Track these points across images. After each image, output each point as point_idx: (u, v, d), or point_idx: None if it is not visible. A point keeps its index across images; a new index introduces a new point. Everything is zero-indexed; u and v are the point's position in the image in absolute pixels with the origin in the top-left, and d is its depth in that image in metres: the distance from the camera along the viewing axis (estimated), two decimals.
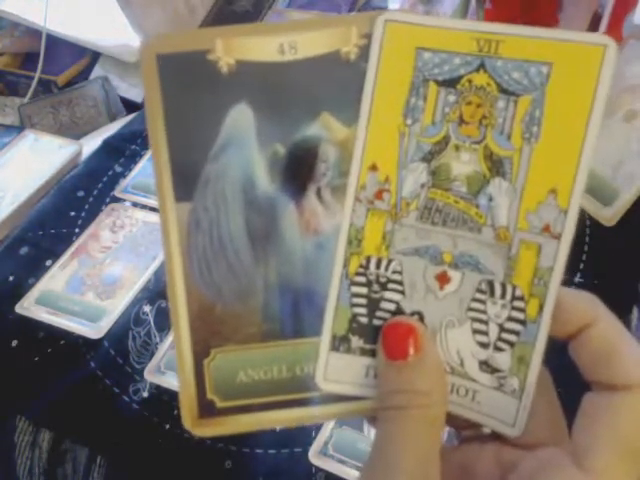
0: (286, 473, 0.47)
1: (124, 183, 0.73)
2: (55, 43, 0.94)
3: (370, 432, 0.46)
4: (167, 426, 0.51)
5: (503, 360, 0.22)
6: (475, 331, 0.22)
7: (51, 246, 0.67)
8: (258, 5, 0.97)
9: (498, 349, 0.22)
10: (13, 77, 0.97)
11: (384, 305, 0.23)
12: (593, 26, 0.69)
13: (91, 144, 0.81)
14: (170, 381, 0.52)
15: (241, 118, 0.24)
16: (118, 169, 0.76)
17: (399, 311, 0.22)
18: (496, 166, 0.21)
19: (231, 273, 0.25)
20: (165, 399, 0.52)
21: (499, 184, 0.21)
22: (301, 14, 0.87)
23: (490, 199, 0.21)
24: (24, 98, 0.93)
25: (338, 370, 0.23)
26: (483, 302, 0.22)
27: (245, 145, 0.25)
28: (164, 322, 0.57)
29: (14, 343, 0.59)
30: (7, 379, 0.58)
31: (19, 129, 0.85)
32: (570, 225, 0.20)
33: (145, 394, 0.53)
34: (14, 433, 0.55)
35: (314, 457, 0.46)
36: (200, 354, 0.25)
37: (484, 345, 0.22)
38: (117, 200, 0.71)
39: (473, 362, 0.22)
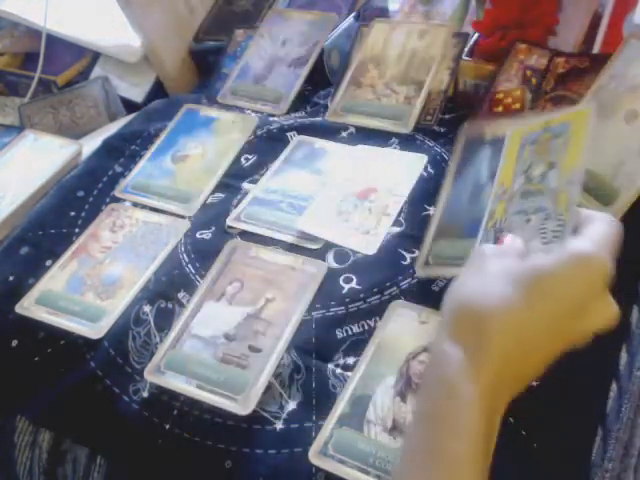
0: (286, 473, 0.47)
1: (124, 183, 0.73)
2: (55, 43, 0.94)
3: (370, 432, 0.46)
4: (167, 426, 0.51)
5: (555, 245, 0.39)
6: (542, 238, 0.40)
7: (51, 246, 0.67)
8: (258, 5, 0.97)
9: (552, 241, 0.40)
10: (13, 77, 0.97)
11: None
12: (593, 26, 0.69)
13: (91, 144, 0.81)
14: (170, 381, 0.52)
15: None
16: (118, 169, 0.76)
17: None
18: (551, 166, 0.43)
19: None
20: (165, 399, 0.52)
21: (553, 173, 0.42)
22: (301, 14, 0.87)
23: (548, 180, 0.42)
24: (24, 98, 0.94)
25: None
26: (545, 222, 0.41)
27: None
28: (164, 322, 0.57)
29: (14, 343, 0.59)
30: (7, 379, 0.58)
31: (19, 129, 0.85)
32: (580, 178, 0.41)
33: (145, 394, 0.53)
34: (14, 433, 0.55)
35: (314, 457, 0.46)
36: None
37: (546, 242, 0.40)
38: (117, 200, 0.71)
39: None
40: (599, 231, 0.37)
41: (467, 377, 0.34)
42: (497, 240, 0.43)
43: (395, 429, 0.46)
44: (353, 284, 0.57)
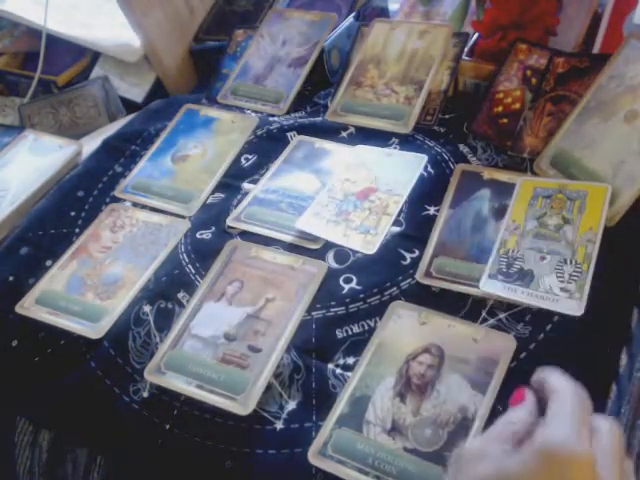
0: (286, 473, 0.47)
1: (124, 183, 0.73)
2: (55, 43, 0.94)
3: (369, 433, 0.46)
4: (167, 426, 0.51)
5: (571, 286, 0.50)
6: (558, 276, 0.51)
7: (51, 246, 0.67)
8: (258, 5, 0.97)
9: (569, 283, 0.50)
10: (13, 77, 0.97)
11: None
12: (593, 26, 0.69)
13: (91, 144, 0.81)
14: (170, 381, 0.52)
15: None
16: (118, 169, 0.76)
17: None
18: (567, 221, 0.54)
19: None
20: (165, 399, 0.52)
21: (568, 227, 0.54)
22: (301, 14, 0.87)
23: (564, 231, 0.54)
24: (24, 98, 0.93)
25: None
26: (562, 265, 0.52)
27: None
28: (164, 322, 0.57)
29: (14, 343, 0.59)
30: (7, 379, 0.58)
31: (19, 129, 0.85)
32: (599, 239, 0.52)
33: (145, 394, 0.53)
34: (14, 433, 0.55)
35: (313, 457, 0.46)
36: None
37: (562, 281, 0.51)
38: (117, 200, 0.71)
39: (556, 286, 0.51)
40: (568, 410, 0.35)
41: None
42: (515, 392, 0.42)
43: (394, 430, 0.46)
44: (353, 284, 0.57)
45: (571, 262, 0.51)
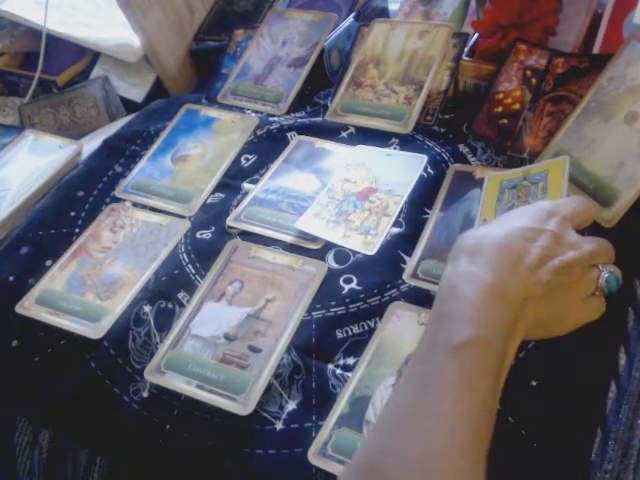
0: (286, 473, 0.47)
1: (124, 183, 0.73)
2: (55, 43, 0.94)
3: (369, 433, 0.46)
4: (167, 426, 0.51)
5: None
6: None
7: (51, 246, 0.67)
8: (258, 5, 0.97)
9: None
10: (13, 77, 0.97)
11: None
12: (593, 26, 0.69)
13: (91, 144, 0.81)
14: (170, 381, 0.52)
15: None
16: (118, 169, 0.76)
17: None
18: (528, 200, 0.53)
19: None
20: (165, 399, 0.52)
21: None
22: (301, 14, 0.87)
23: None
24: (24, 98, 0.93)
25: None
26: None
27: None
28: (164, 322, 0.57)
29: (14, 343, 0.59)
30: (7, 379, 0.58)
31: (19, 129, 0.85)
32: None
33: (145, 394, 0.53)
34: (14, 433, 0.55)
35: (313, 457, 0.46)
36: None
37: None
38: (117, 200, 0.71)
39: None
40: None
41: (468, 278, 0.38)
42: None
43: None
44: (353, 284, 0.57)
45: None
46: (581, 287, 0.41)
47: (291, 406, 0.50)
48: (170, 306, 0.58)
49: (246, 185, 0.70)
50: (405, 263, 0.57)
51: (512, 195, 0.54)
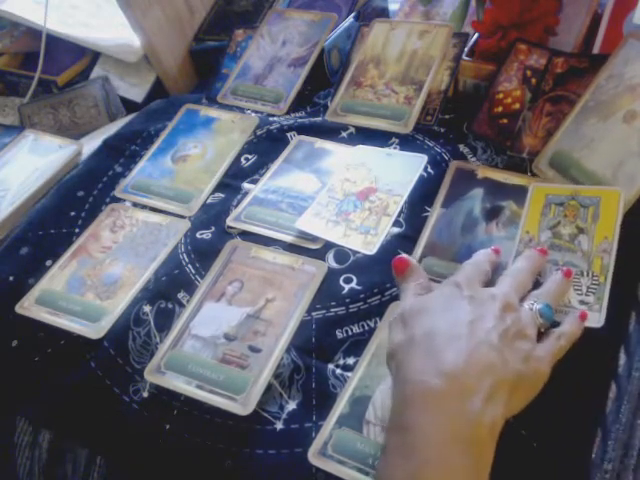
0: (286, 473, 0.47)
1: (124, 183, 0.73)
2: (55, 43, 0.94)
3: (369, 433, 0.46)
4: (167, 426, 0.51)
5: (590, 298, 0.49)
6: (575, 289, 0.50)
7: (51, 246, 0.67)
8: (258, 5, 0.97)
9: (587, 295, 0.49)
10: (13, 77, 0.97)
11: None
12: (593, 26, 0.69)
13: (91, 144, 0.81)
14: (170, 381, 0.52)
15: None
16: (118, 169, 0.76)
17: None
18: (581, 231, 0.52)
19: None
20: (165, 399, 0.52)
21: (583, 237, 0.52)
22: (301, 14, 0.87)
23: (579, 241, 0.52)
24: (24, 98, 0.94)
25: None
26: (580, 278, 0.50)
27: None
28: (164, 322, 0.57)
29: (14, 343, 0.59)
30: (7, 379, 0.58)
31: (19, 129, 0.85)
32: (614, 249, 0.50)
33: (145, 394, 0.53)
34: (14, 433, 0.55)
35: (313, 457, 0.46)
36: None
37: (580, 294, 0.50)
38: (117, 200, 0.71)
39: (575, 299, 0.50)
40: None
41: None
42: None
43: None
44: (353, 284, 0.57)
45: (588, 274, 0.50)
46: (527, 333, 0.43)
47: (291, 406, 0.50)
48: (170, 306, 0.58)
49: (246, 185, 0.70)
50: None
51: (559, 212, 0.54)
